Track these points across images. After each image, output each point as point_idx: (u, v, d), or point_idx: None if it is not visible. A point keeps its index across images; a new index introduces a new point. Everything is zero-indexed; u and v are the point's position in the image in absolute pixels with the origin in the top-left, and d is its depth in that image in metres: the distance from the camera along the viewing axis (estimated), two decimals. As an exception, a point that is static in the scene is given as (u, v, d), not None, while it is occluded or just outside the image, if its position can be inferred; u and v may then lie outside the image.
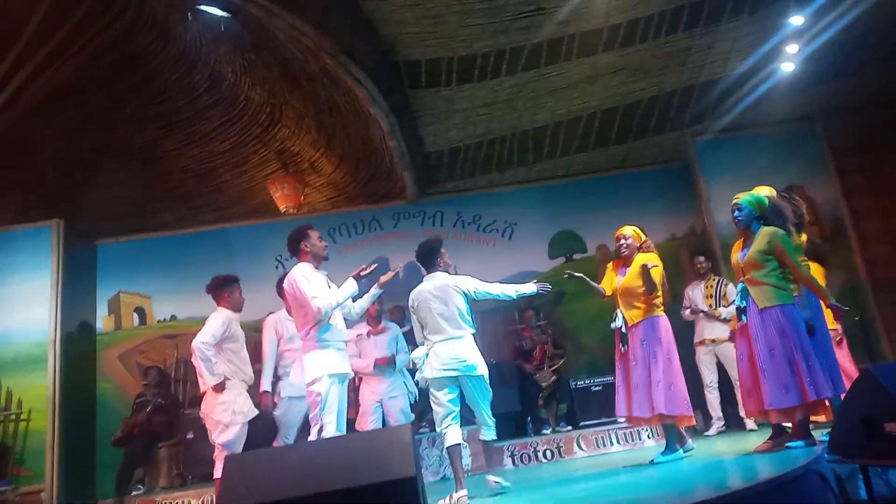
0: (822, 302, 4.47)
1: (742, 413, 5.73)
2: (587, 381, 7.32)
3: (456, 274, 4.81)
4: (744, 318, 4.33)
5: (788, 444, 4.19)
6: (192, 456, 6.98)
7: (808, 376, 4.04)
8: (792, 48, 6.95)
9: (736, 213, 4.50)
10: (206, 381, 4.74)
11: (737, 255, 4.47)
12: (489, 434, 4.45)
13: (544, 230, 8.72)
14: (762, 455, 4.20)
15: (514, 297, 4.68)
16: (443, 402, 4.38)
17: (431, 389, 4.44)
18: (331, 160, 9.16)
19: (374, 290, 4.65)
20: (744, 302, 4.33)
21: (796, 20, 6.62)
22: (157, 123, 8.64)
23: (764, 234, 4.33)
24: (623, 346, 4.83)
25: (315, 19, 6.29)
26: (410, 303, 4.58)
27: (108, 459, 7.28)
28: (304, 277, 4.17)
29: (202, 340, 4.74)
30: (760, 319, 4.22)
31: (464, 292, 4.50)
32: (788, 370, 4.07)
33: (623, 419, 5.04)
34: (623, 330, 4.84)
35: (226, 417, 4.71)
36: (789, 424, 4.37)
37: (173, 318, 8.41)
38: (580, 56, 7.07)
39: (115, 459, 7.01)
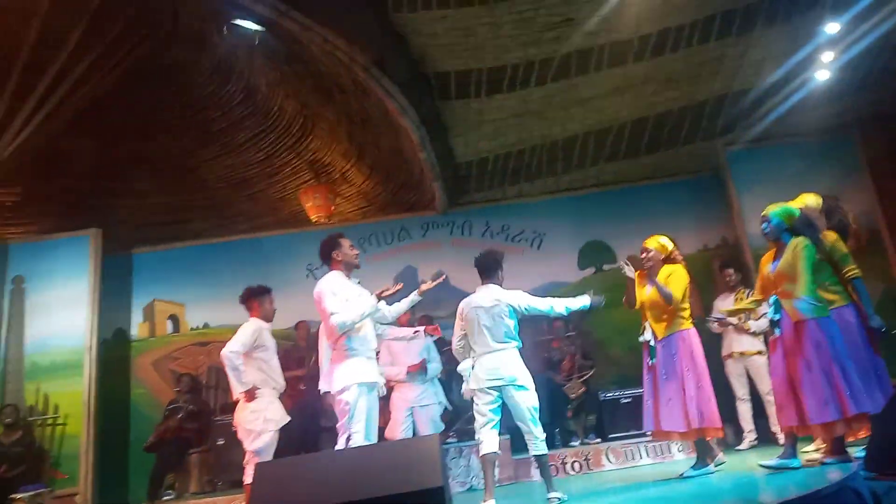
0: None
1: (773, 427, 5.62)
2: (616, 393, 7.25)
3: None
4: (777, 331, 4.25)
5: (824, 459, 4.11)
6: (222, 462, 7.07)
7: (847, 389, 3.94)
8: (827, 56, 6.84)
9: (764, 225, 4.44)
10: (234, 390, 4.82)
11: (767, 268, 4.40)
12: (540, 447, 4.41)
13: (573, 240, 8.69)
14: (796, 471, 4.11)
15: (566, 313, 4.69)
16: (484, 410, 4.43)
17: (475, 400, 4.49)
18: (361, 171, 9.24)
19: (414, 297, 4.72)
20: (777, 315, 4.25)
21: (831, 27, 6.51)
22: (192, 134, 8.81)
23: (790, 246, 4.26)
24: (651, 359, 4.78)
25: (347, 33, 6.38)
26: (459, 311, 4.64)
27: (141, 464, 7.42)
28: (331, 292, 4.19)
29: (231, 350, 4.82)
30: (795, 333, 4.14)
31: (513, 308, 4.54)
32: (826, 384, 3.98)
33: (650, 433, 4.97)
34: (652, 343, 4.79)
35: (258, 425, 4.79)
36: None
37: (206, 325, 8.55)
38: (610, 66, 7.05)
39: (147, 465, 7.14)
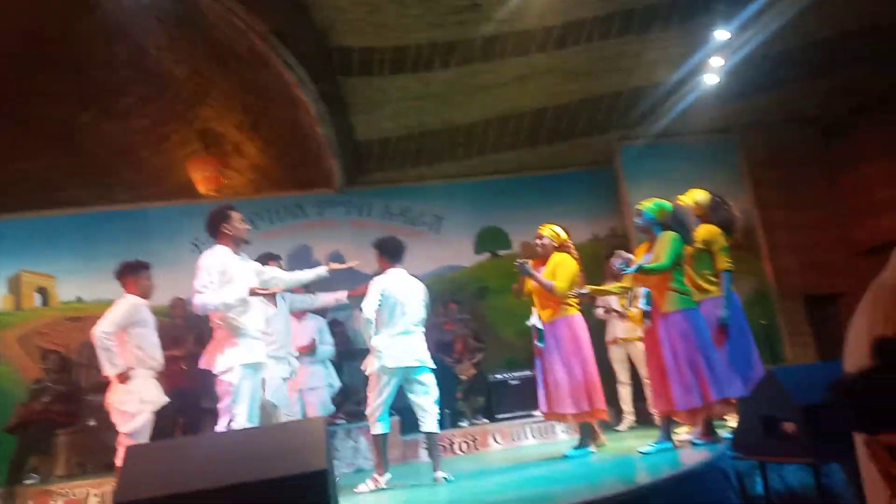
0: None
1: (651, 409, 5.91)
2: (504, 375, 7.40)
3: None
4: (647, 321, 4.44)
5: (693, 441, 4.34)
6: (93, 444, 6.66)
7: (710, 377, 4.18)
8: (717, 61, 7.20)
9: (637, 218, 4.66)
10: (106, 372, 4.53)
11: (641, 260, 4.59)
12: (435, 426, 4.57)
13: (471, 225, 8.77)
14: (670, 452, 4.33)
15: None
16: (389, 390, 4.51)
17: (379, 378, 4.50)
18: (256, 143, 8.90)
19: (321, 271, 4.67)
20: (648, 306, 4.44)
21: (721, 34, 6.86)
22: (72, 96, 8.16)
23: (659, 239, 4.45)
24: (539, 342, 4.91)
25: (246, -3, 6.09)
26: (379, 289, 4.59)
27: (1, 446, 6.87)
28: (207, 269, 3.99)
29: (101, 330, 4.53)
30: (664, 324, 4.33)
31: (425, 292, 4.74)
32: (690, 372, 4.19)
33: (543, 414, 5.12)
34: (539, 327, 4.92)
35: (132, 407, 4.53)
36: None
37: (79, 299, 7.99)
38: (514, 55, 7.12)
39: (7, 447, 6.61)
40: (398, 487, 4.52)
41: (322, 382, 5.91)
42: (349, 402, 6.96)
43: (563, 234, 5.13)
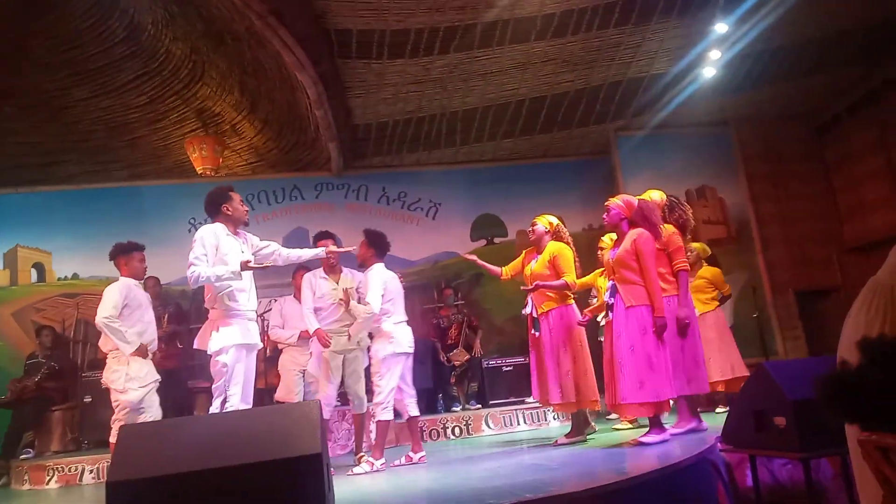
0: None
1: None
2: (498, 362, 7.46)
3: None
4: (610, 314, 4.45)
5: (641, 439, 4.29)
6: (88, 420, 6.68)
7: (664, 374, 4.19)
8: (715, 54, 7.20)
9: (604, 215, 4.63)
10: (124, 352, 4.59)
11: (608, 254, 4.59)
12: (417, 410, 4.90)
13: (467, 212, 8.80)
14: (662, 443, 4.34)
15: None
16: (396, 377, 4.70)
17: (391, 363, 4.66)
18: (253, 124, 8.87)
19: (318, 251, 4.79)
20: (612, 299, 4.44)
21: (721, 27, 6.85)
22: (67, 71, 8.10)
23: (630, 235, 4.45)
24: (535, 331, 4.95)
25: (245, -24, 6.03)
26: (384, 278, 4.80)
27: (-5, 421, 6.90)
28: (203, 242, 4.00)
29: (104, 315, 4.59)
30: (625, 317, 4.32)
31: None
32: (646, 366, 4.19)
33: (536, 401, 5.19)
34: (534, 315, 4.95)
35: (119, 384, 4.58)
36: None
37: (75, 276, 8.00)
38: (513, 42, 7.10)
39: (2, 422, 6.64)
40: (392, 470, 4.59)
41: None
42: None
43: (556, 222, 5.16)
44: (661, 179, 8.47)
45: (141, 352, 4.62)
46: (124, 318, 4.65)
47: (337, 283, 5.08)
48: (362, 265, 5.00)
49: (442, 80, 7.50)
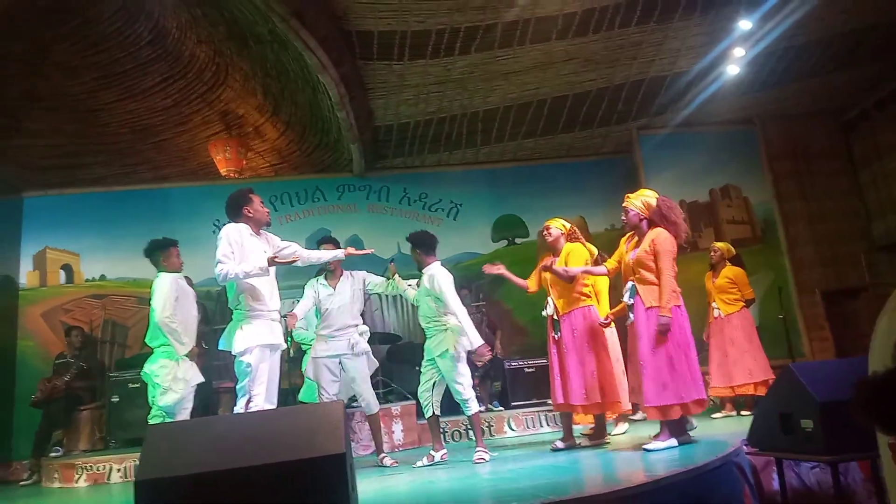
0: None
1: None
2: (521, 363, 7.43)
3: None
4: (631, 315, 4.40)
5: (647, 446, 4.22)
6: (116, 420, 6.79)
7: (687, 375, 4.13)
8: (739, 52, 7.12)
9: (623, 216, 4.57)
10: (177, 352, 4.71)
11: (628, 255, 4.51)
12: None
13: (489, 213, 8.79)
14: (687, 445, 4.29)
15: None
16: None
17: (462, 359, 4.77)
18: (276, 126, 8.95)
19: (338, 253, 4.83)
20: (632, 300, 4.39)
21: (745, 24, 6.77)
22: (94, 74, 8.23)
23: (649, 235, 4.38)
24: (555, 332, 4.92)
25: (267, -21, 6.08)
26: (451, 281, 4.86)
27: (26, 420, 7.03)
28: (229, 240, 4.04)
29: (165, 315, 4.71)
30: (646, 318, 4.27)
31: None
32: (668, 368, 4.14)
33: (554, 406, 5.13)
34: (555, 317, 4.92)
35: (165, 382, 4.67)
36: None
37: (102, 277, 8.13)
38: (534, 42, 7.08)
39: (33, 420, 6.78)
40: (415, 470, 4.61)
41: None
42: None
43: (569, 225, 5.15)
44: (684, 178, 8.42)
45: (192, 354, 4.73)
46: (175, 311, 4.74)
47: (334, 289, 5.11)
48: (420, 269, 5.04)
49: (463, 80, 7.51)
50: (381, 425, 5.50)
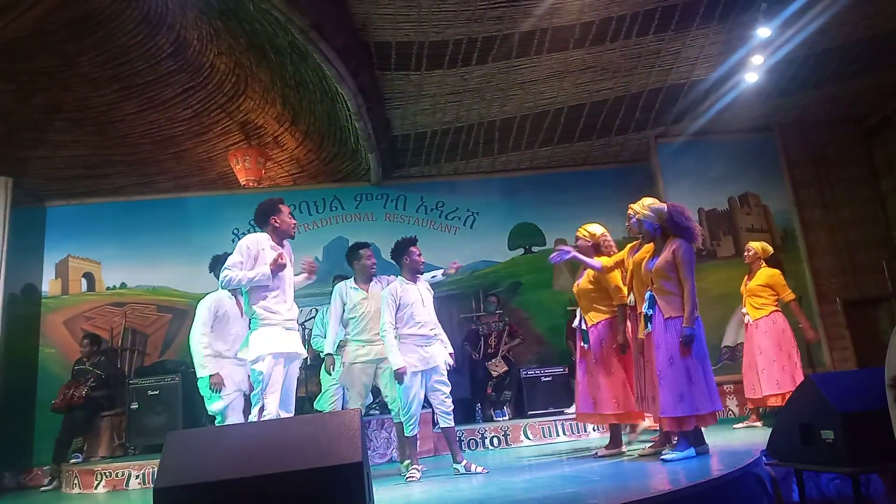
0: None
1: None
2: (537, 372, 7.41)
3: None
4: (650, 326, 4.37)
5: (664, 455, 4.20)
6: (135, 427, 6.86)
7: (704, 387, 4.11)
8: (757, 59, 7.06)
9: (634, 221, 4.52)
10: (197, 372, 4.78)
11: (645, 264, 4.46)
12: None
13: (505, 221, 8.79)
14: (704, 456, 4.26)
15: None
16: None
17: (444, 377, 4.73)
18: (295, 136, 9.03)
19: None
20: (650, 310, 4.35)
21: (763, 32, 6.73)
22: (115, 86, 8.36)
23: (669, 245, 4.34)
24: (585, 343, 4.92)
25: (286, -8, 6.15)
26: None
27: (47, 426, 7.12)
28: (241, 248, 4.09)
29: (195, 336, 4.80)
30: (664, 328, 4.24)
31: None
32: (686, 380, 4.11)
33: (577, 416, 5.14)
34: (584, 327, 4.93)
35: (206, 391, 4.80)
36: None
37: (123, 285, 8.23)
38: (551, 51, 7.09)
39: (54, 426, 6.87)
40: (432, 479, 4.62)
41: None
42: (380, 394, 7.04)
43: (599, 231, 5.11)
44: (703, 186, 8.37)
45: (215, 379, 4.72)
46: (215, 331, 4.82)
47: (367, 293, 5.13)
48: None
49: (480, 89, 7.53)
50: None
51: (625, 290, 4.83)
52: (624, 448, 4.93)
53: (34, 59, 7.70)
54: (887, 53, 7.51)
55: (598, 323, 4.88)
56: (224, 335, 4.83)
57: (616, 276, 4.88)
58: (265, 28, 7.06)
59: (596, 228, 5.14)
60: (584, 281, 4.99)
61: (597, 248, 5.05)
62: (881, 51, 7.46)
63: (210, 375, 4.69)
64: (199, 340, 4.77)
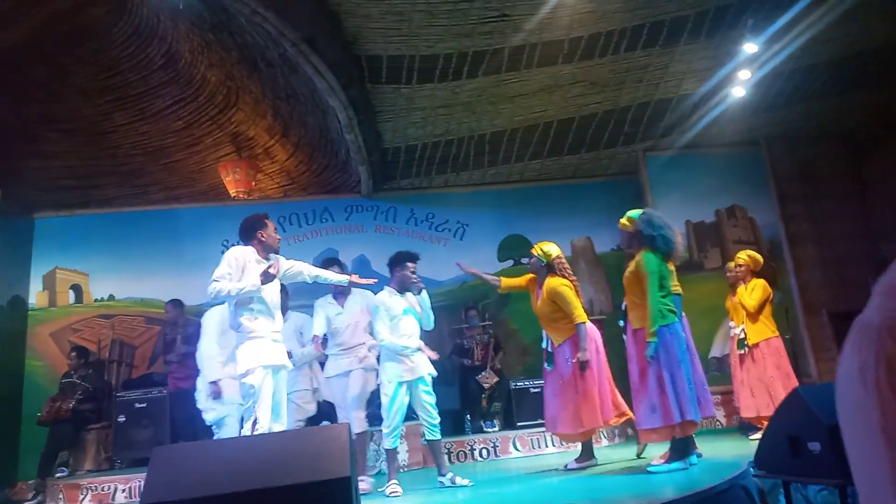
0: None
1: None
2: (526, 383, 7.42)
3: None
4: (624, 336, 4.40)
5: (650, 467, 4.22)
6: (122, 440, 6.80)
7: (673, 398, 4.05)
8: (744, 74, 7.16)
9: (621, 238, 4.58)
10: (199, 382, 4.93)
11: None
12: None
13: (494, 233, 8.81)
14: (692, 468, 4.27)
15: None
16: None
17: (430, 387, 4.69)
18: (285, 147, 9.05)
19: (343, 278, 4.77)
20: (622, 322, 4.39)
21: (750, 47, 6.82)
22: (107, 97, 8.37)
23: (636, 256, 4.36)
24: (548, 365, 4.92)
25: (277, 5, 6.18)
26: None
27: (33, 440, 7.04)
28: (228, 259, 4.09)
29: (202, 350, 4.94)
30: (633, 340, 4.25)
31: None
32: (657, 391, 4.09)
33: (559, 435, 5.15)
34: (549, 349, 4.93)
35: (200, 402, 5.00)
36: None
37: (111, 297, 8.17)
38: (541, 65, 7.15)
39: (39, 440, 6.78)
40: (420, 492, 4.60)
41: (300, 387, 5.57)
42: (370, 405, 7.02)
43: (555, 253, 4.96)
44: (691, 199, 8.43)
45: (214, 389, 4.83)
46: (222, 345, 4.87)
47: (343, 307, 5.13)
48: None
49: (470, 103, 7.58)
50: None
51: (580, 308, 4.81)
52: (595, 460, 4.93)
53: (27, 71, 7.69)
54: (873, 71, 7.62)
55: (562, 343, 4.86)
56: (227, 347, 4.85)
57: (570, 294, 4.82)
58: (257, 41, 7.09)
59: (552, 249, 5.00)
60: (541, 304, 4.92)
61: (550, 269, 4.95)
62: (867, 68, 7.57)
63: (210, 382, 4.73)
64: (206, 354, 4.90)
